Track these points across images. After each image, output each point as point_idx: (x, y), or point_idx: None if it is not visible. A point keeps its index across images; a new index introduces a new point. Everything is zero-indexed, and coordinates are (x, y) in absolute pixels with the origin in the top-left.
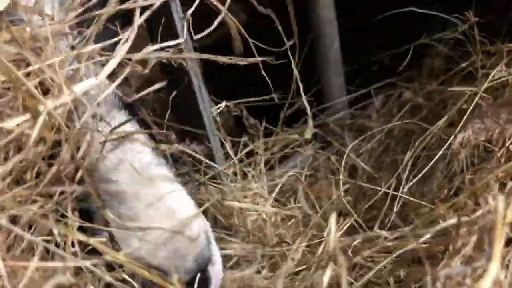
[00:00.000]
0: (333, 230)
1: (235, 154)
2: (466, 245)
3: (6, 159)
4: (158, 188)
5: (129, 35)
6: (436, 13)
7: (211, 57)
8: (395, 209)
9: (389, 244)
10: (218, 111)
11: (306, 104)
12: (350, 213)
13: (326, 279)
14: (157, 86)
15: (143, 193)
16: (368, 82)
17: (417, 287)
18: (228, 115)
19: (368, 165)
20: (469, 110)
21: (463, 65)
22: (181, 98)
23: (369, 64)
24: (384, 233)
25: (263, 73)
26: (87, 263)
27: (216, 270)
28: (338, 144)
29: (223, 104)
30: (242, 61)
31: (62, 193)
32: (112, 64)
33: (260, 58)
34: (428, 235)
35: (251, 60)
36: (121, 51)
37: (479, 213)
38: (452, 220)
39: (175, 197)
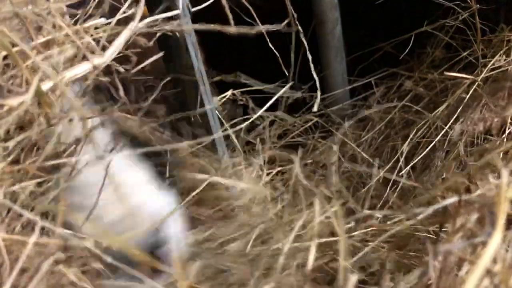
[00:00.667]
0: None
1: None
2: (466, 223)
3: (7, 137)
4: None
5: (136, 11)
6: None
7: (218, 27)
8: (388, 192)
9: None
10: (222, 100)
11: (315, 76)
12: (346, 200)
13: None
14: (154, 58)
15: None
16: (368, 71)
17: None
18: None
19: (368, 154)
20: (467, 97)
21: (464, 54)
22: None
23: (369, 53)
24: (377, 213)
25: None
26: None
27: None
28: (339, 134)
29: (229, 92)
30: (251, 30)
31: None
32: (120, 40)
33: (269, 26)
34: (427, 213)
35: (261, 28)
36: (129, 27)
37: (480, 190)
38: (452, 198)
39: (132, 181)
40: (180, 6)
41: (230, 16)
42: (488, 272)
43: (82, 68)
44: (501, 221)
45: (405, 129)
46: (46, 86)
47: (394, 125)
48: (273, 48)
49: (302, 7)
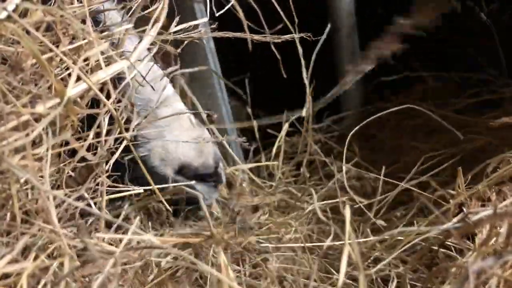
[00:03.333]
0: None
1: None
2: (494, 236)
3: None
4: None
5: (160, 14)
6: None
7: (244, 35)
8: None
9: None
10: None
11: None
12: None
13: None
14: (170, 69)
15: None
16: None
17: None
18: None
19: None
20: None
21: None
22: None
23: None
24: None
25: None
26: None
27: (221, 167)
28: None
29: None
30: (278, 39)
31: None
32: (144, 44)
33: (297, 35)
34: (452, 223)
35: (287, 37)
36: (152, 31)
37: (507, 201)
38: (485, 211)
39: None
40: (208, 14)
41: (245, 22)
42: None
43: (115, 68)
44: None
45: (413, 153)
46: (77, 89)
47: (403, 149)
48: (277, 53)
49: (319, 13)
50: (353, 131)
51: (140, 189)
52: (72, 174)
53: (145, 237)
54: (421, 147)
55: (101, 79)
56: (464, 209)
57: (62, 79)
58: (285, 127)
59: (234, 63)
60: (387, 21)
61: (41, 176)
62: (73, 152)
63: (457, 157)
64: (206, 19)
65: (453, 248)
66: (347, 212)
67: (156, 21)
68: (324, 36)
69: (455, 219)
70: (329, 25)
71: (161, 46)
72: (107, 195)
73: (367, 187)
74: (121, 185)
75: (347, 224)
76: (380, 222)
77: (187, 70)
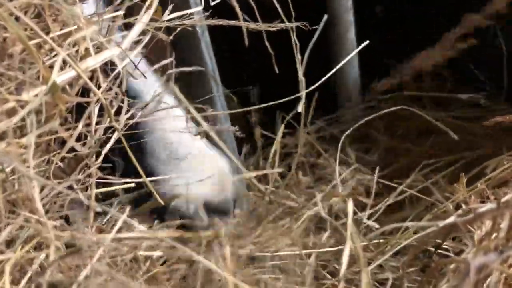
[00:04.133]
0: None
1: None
2: (496, 230)
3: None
4: (194, 139)
5: (152, 1)
6: None
7: (238, 23)
8: None
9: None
10: None
11: None
12: None
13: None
14: (164, 62)
15: (187, 144)
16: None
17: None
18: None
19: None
20: None
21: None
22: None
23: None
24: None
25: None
26: None
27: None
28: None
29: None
30: (272, 27)
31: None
32: (135, 32)
33: (293, 24)
34: (453, 216)
35: (282, 25)
36: (143, 18)
37: (509, 196)
38: (486, 206)
39: (208, 148)
40: (202, 4)
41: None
42: None
43: (104, 55)
44: None
45: (407, 155)
46: (65, 76)
47: (397, 152)
48: (271, 47)
49: (317, 9)
50: (347, 132)
51: (132, 182)
52: (61, 165)
53: (137, 226)
54: (416, 149)
55: (90, 67)
56: (463, 206)
57: (51, 66)
58: (281, 128)
59: (228, 52)
60: (385, 19)
61: (28, 167)
62: (62, 143)
63: (454, 160)
64: (200, 8)
65: (451, 251)
66: (350, 206)
67: (148, 8)
68: (320, 28)
69: (455, 214)
70: (325, 16)
71: (154, 33)
72: (97, 188)
73: (364, 189)
74: (112, 178)
75: (350, 216)
76: (373, 224)
77: (182, 69)
